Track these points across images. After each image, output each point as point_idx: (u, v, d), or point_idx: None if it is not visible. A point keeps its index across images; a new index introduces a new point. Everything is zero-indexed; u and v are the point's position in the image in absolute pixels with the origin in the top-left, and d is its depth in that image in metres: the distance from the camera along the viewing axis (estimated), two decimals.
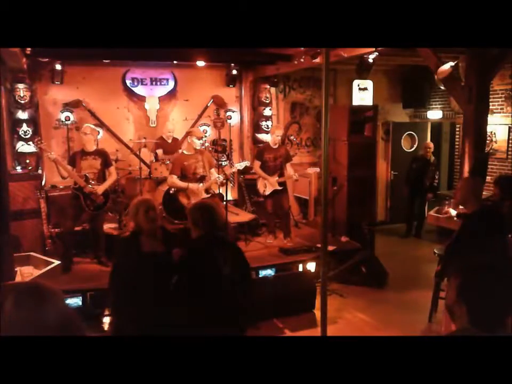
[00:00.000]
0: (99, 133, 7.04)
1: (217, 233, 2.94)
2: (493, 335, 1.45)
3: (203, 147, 6.04)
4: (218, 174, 5.57)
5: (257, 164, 6.18)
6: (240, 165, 5.82)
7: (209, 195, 5.45)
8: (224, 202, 5.85)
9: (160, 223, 3.32)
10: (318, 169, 6.22)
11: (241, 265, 2.95)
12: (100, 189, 5.34)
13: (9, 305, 1.34)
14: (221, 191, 6.46)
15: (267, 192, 6.15)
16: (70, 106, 7.00)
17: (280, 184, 6.14)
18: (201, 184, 5.39)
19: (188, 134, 5.60)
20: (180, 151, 6.97)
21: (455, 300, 1.52)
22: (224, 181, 5.56)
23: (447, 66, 4.80)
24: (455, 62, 4.80)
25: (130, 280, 3.00)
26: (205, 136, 5.43)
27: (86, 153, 5.39)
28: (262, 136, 8.03)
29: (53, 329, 1.34)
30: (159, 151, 6.84)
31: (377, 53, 5.93)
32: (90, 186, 5.28)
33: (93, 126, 5.71)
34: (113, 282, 3.17)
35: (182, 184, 5.34)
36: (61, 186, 6.36)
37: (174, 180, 5.36)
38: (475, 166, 4.86)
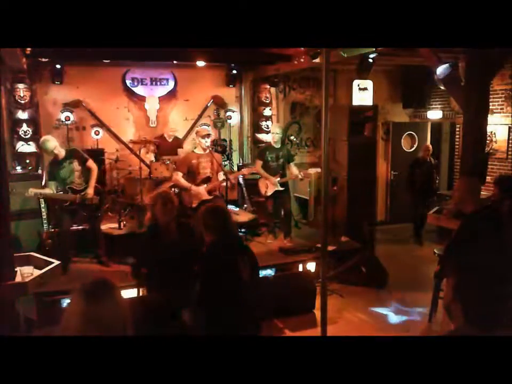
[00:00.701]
0: (99, 133, 7.05)
1: (229, 236, 2.93)
2: (490, 334, 1.45)
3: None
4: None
5: (259, 163, 6.14)
6: (246, 170, 5.81)
7: (211, 196, 5.45)
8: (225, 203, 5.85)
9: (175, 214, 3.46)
10: (319, 170, 6.21)
11: (252, 265, 2.95)
12: (90, 192, 5.18)
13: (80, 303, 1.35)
14: (221, 191, 6.46)
15: (268, 193, 6.12)
16: (70, 106, 7.00)
17: (281, 184, 6.13)
18: (205, 185, 5.39)
19: (196, 133, 5.67)
20: (183, 149, 6.99)
21: (452, 299, 1.52)
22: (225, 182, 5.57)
23: (447, 66, 4.80)
24: (455, 62, 4.81)
25: (157, 270, 3.20)
26: (210, 134, 5.45)
27: (61, 161, 5.17)
28: (262, 136, 8.03)
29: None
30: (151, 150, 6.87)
31: (376, 54, 5.94)
32: (79, 195, 5.13)
33: (49, 137, 5.29)
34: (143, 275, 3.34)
35: (185, 183, 5.34)
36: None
37: (179, 177, 5.36)
38: (475, 166, 4.87)
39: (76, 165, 5.22)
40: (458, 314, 1.49)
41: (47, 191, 5.12)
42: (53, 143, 5.12)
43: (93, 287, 1.43)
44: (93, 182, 5.23)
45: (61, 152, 5.16)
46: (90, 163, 5.32)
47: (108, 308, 1.38)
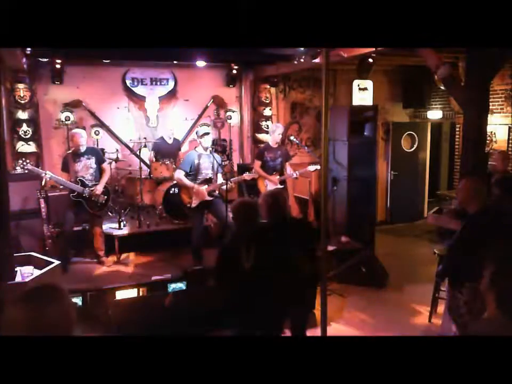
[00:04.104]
0: (99, 133, 7.06)
1: (249, 228, 3.16)
2: None
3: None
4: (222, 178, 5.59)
5: (258, 163, 6.22)
6: (247, 175, 5.84)
7: (212, 198, 5.46)
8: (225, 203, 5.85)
9: None
10: (318, 167, 6.24)
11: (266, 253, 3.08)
12: (99, 189, 5.35)
13: (16, 305, 1.34)
14: (220, 192, 6.46)
15: None
16: (70, 106, 7.00)
17: (280, 183, 6.22)
18: (206, 186, 5.40)
19: (196, 133, 5.71)
20: (182, 150, 6.98)
21: (487, 287, 1.57)
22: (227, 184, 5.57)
23: (447, 66, 4.80)
24: (455, 62, 4.81)
25: None
26: (208, 134, 5.46)
27: (79, 154, 5.37)
28: (262, 136, 8.04)
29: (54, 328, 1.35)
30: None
31: (377, 54, 5.94)
32: (88, 189, 5.28)
33: (82, 130, 5.68)
34: None
35: (188, 183, 5.35)
36: (61, 187, 6.36)
37: (181, 176, 5.37)
38: (475, 166, 4.86)
39: (92, 163, 5.43)
40: (492, 302, 1.54)
41: (60, 177, 5.35)
42: (85, 137, 5.45)
43: (38, 292, 1.43)
44: (103, 181, 5.51)
45: (84, 147, 5.40)
46: (106, 165, 5.68)
47: (53, 312, 1.38)
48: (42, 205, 5.47)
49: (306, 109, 8.55)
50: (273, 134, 6.29)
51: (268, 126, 8.03)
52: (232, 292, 3.05)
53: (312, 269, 3.36)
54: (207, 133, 5.47)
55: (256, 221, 3.23)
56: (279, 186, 6.19)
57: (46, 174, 5.21)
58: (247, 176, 5.81)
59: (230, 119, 7.95)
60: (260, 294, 2.96)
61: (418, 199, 9.17)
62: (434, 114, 8.67)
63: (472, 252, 3.01)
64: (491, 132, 7.06)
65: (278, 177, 6.22)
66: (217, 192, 5.60)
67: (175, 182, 6.06)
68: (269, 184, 6.17)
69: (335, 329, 4.58)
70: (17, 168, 6.28)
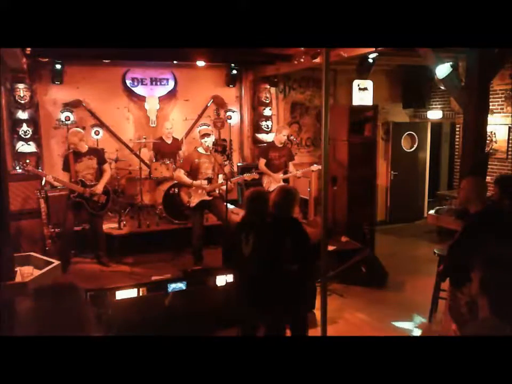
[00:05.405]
0: (99, 133, 7.06)
1: (255, 217, 3.33)
2: None
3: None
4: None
5: (263, 161, 6.36)
6: (248, 176, 5.86)
7: (211, 197, 5.46)
8: (225, 203, 5.85)
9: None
10: (320, 167, 6.28)
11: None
12: (99, 188, 5.33)
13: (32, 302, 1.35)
14: (220, 191, 6.47)
15: (271, 189, 6.28)
16: (70, 106, 7.00)
17: (284, 181, 6.36)
18: (207, 182, 5.42)
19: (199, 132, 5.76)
20: (182, 149, 6.98)
21: (478, 291, 1.56)
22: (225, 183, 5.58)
23: (447, 66, 4.80)
24: (455, 62, 4.80)
25: None
26: (209, 135, 5.47)
27: (80, 154, 5.34)
28: (262, 136, 8.04)
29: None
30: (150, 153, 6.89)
31: (377, 54, 5.94)
32: (88, 189, 5.27)
33: (79, 129, 5.69)
34: None
35: (187, 180, 5.36)
36: (61, 187, 6.36)
37: (181, 174, 5.38)
38: (475, 166, 4.86)
39: (93, 163, 5.41)
40: (484, 306, 1.54)
41: (61, 178, 5.32)
42: (79, 136, 5.36)
43: (53, 289, 1.43)
44: (103, 180, 5.46)
45: (84, 147, 5.37)
46: (107, 166, 5.63)
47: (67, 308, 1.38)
48: (42, 205, 5.47)
49: (306, 109, 8.55)
50: (279, 133, 6.42)
51: (268, 126, 8.04)
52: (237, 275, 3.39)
53: (307, 271, 3.41)
54: (209, 134, 5.48)
55: (263, 212, 3.29)
56: (283, 184, 6.33)
57: (47, 176, 5.24)
58: (247, 176, 5.83)
59: (230, 119, 7.95)
60: (257, 281, 3.06)
61: (418, 199, 9.18)
62: (434, 114, 8.67)
63: (473, 251, 3.00)
64: (491, 132, 7.06)
65: (282, 175, 6.35)
66: (217, 191, 5.61)
67: (175, 182, 6.05)
68: (272, 182, 6.28)
69: (335, 329, 4.58)
70: (17, 168, 6.28)
